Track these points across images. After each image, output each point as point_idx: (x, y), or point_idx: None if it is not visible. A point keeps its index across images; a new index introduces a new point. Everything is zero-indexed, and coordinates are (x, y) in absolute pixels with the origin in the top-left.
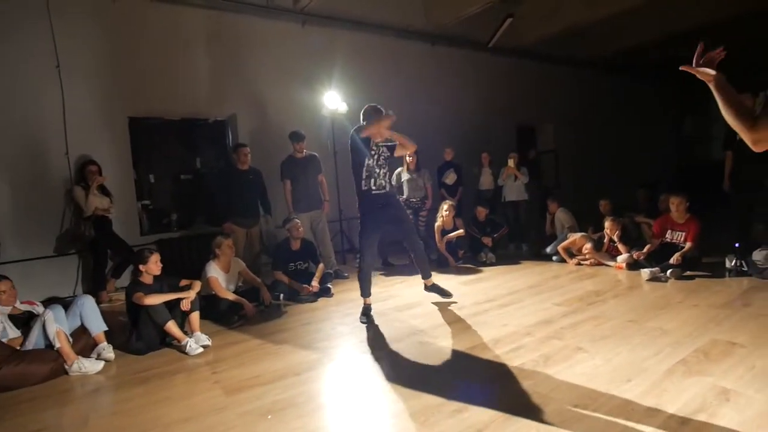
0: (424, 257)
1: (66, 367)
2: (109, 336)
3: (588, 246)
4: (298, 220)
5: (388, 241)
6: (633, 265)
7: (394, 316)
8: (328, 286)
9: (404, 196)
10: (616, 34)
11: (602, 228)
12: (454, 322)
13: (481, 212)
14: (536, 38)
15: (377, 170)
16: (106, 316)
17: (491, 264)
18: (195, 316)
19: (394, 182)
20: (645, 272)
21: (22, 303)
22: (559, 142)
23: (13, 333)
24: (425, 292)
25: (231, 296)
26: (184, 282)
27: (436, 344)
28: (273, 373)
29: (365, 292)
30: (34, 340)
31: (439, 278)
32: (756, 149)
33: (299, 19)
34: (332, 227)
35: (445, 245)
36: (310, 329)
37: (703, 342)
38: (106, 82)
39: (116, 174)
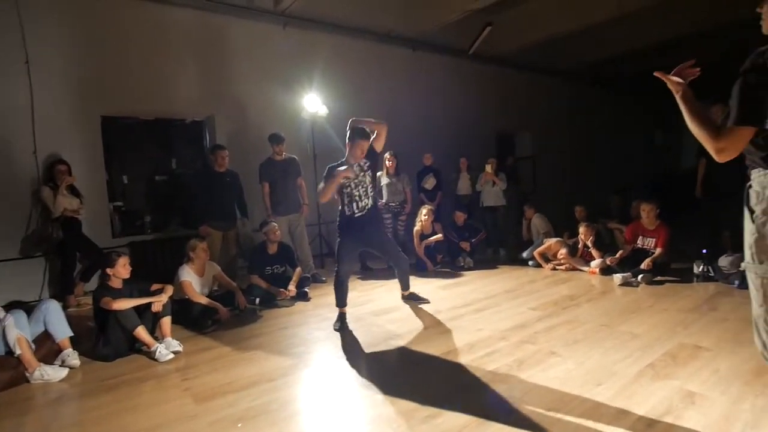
0: (407, 271)
1: (27, 374)
2: (75, 342)
3: (563, 251)
4: (276, 224)
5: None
6: (606, 270)
7: (371, 321)
8: (306, 290)
9: (383, 200)
10: (591, 47)
11: (577, 233)
12: (431, 326)
13: (460, 217)
14: (515, 47)
15: (357, 194)
16: (73, 321)
17: (469, 268)
18: (166, 321)
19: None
20: (617, 277)
21: None
22: (537, 149)
23: None
24: (402, 300)
25: (205, 300)
26: (155, 286)
27: (412, 349)
28: (246, 380)
29: (341, 302)
30: None
31: (417, 282)
32: (719, 159)
33: (280, 20)
34: (311, 231)
35: (424, 249)
36: (285, 334)
37: (671, 346)
38: (78, 80)
39: (87, 174)
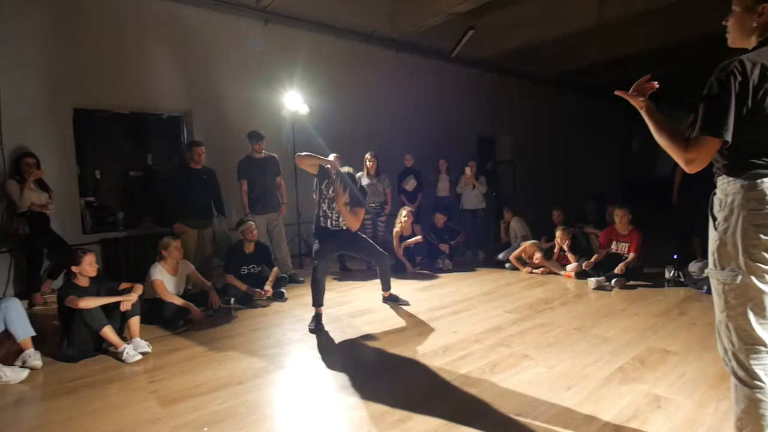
0: (388, 271)
1: None
2: (38, 342)
3: (538, 255)
4: (252, 222)
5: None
6: (581, 274)
7: (347, 322)
8: (282, 290)
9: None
10: (572, 54)
11: (554, 237)
12: (407, 328)
13: (440, 219)
14: (497, 51)
15: (329, 212)
16: (38, 320)
17: (448, 270)
18: (135, 321)
19: None
20: (591, 281)
21: None
22: (517, 152)
23: None
24: (382, 302)
25: (177, 300)
26: (124, 285)
27: (387, 351)
28: (215, 382)
29: (317, 301)
30: None
31: (396, 284)
32: (689, 170)
33: (261, 17)
34: (290, 230)
35: (403, 251)
36: (259, 335)
37: (641, 350)
38: (49, 70)
39: (58, 168)
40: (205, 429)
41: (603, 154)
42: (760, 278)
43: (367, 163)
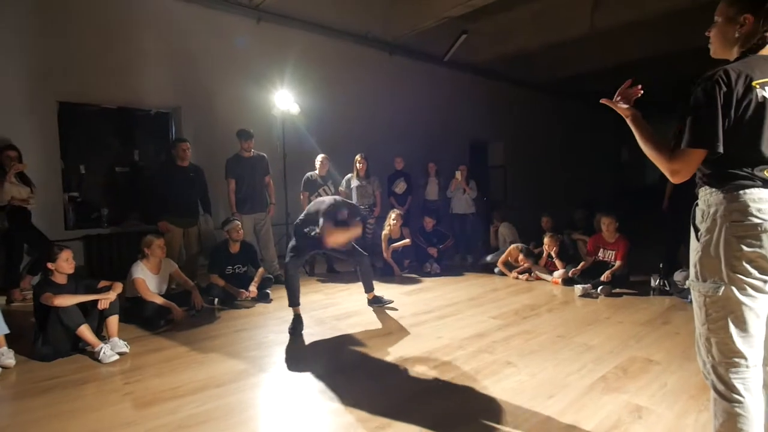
0: (370, 272)
1: None
2: (14, 339)
3: (521, 257)
4: (238, 222)
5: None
6: (568, 281)
7: (332, 325)
8: (267, 291)
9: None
10: (565, 61)
11: (542, 243)
12: (391, 333)
13: (429, 223)
14: (491, 57)
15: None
16: (16, 316)
17: (435, 275)
18: (113, 320)
19: (343, 188)
20: (578, 288)
21: None
22: (508, 158)
23: None
24: (368, 305)
25: (158, 299)
26: (103, 283)
27: (370, 356)
28: (192, 385)
29: (293, 300)
30: None
31: (383, 287)
32: (674, 180)
33: (254, 15)
34: (278, 231)
35: (391, 254)
36: (241, 336)
37: (623, 359)
38: (34, 61)
39: (41, 162)
40: None
41: (594, 161)
42: (742, 290)
43: (357, 164)
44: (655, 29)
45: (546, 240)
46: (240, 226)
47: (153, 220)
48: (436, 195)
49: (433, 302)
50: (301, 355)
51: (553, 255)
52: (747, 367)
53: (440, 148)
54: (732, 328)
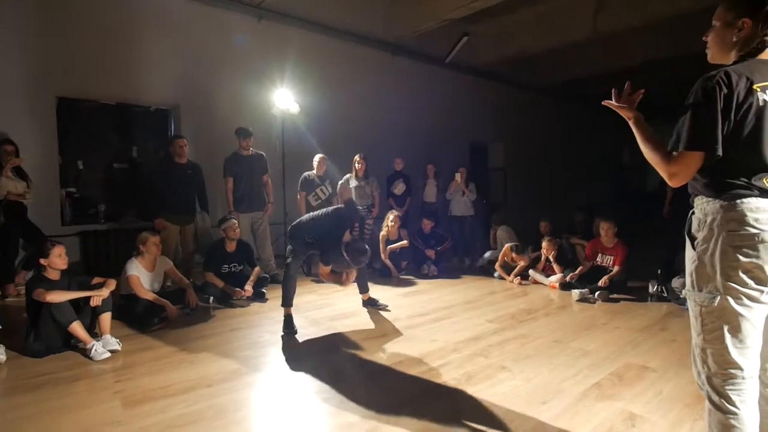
0: (364, 273)
1: None
2: (6, 335)
3: (514, 255)
4: (235, 221)
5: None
6: (565, 285)
7: (326, 326)
8: (263, 290)
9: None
10: (567, 64)
11: (541, 247)
12: (386, 334)
13: (427, 224)
14: (492, 59)
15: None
16: (9, 312)
17: (433, 277)
18: (105, 317)
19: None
20: (575, 293)
21: None
22: (508, 160)
23: None
24: (362, 306)
25: (152, 297)
26: (96, 280)
27: (363, 358)
28: (184, 384)
29: (287, 300)
30: None
31: (379, 289)
32: (672, 184)
33: (255, 13)
34: (275, 230)
35: (389, 255)
36: (235, 336)
37: (619, 365)
38: (33, 55)
39: (39, 157)
40: None
41: (595, 164)
42: (738, 301)
43: (356, 165)
44: (657, 33)
45: (544, 244)
46: (237, 225)
47: (150, 217)
48: (434, 197)
49: (429, 304)
50: (295, 355)
51: (551, 259)
52: (743, 378)
53: (440, 149)
54: (728, 339)
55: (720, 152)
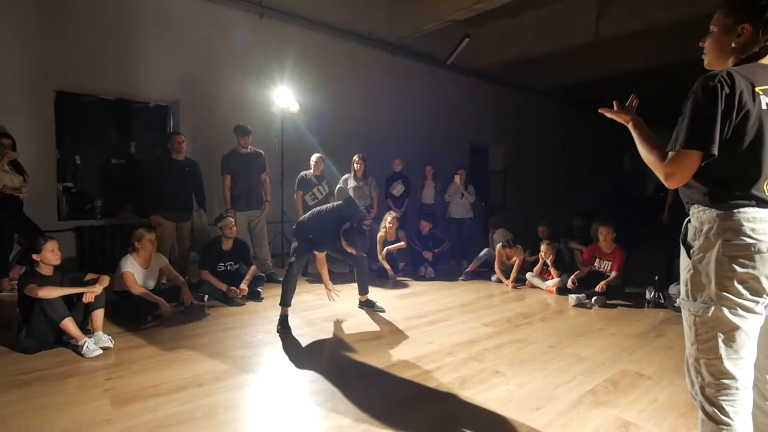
0: (366, 274)
1: None
2: None
3: (508, 251)
4: (232, 219)
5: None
6: (562, 290)
7: (321, 326)
8: (258, 289)
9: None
10: (569, 68)
11: (539, 251)
12: (381, 336)
13: (425, 226)
14: (494, 61)
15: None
16: (4, 306)
17: (430, 279)
18: (98, 314)
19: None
20: (572, 298)
21: None
22: (509, 163)
23: None
24: (358, 306)
25: (146, 294)
26: (90, 276)
27: (357, 360)
28: (174, 383)
29: (285, 299)
30: None
31: (375, 290)
32: (669, 185)
33: (257, 11)
34: (272, 229)
35: (386, 256)
36: (229, 335)
37: (614, 372)
38: (31, 49)
39: (36, 151)
40: None
41: (595, 169)
42: (733, 311)
43: (355, 165)
44: (659, 39)
45: (542, 248)
46: (233, 223)
47: (147, 213)
48: (432, 199)
49: (425, 307)
50: (288, 356)
51: (549, 263)
52: (737, 389)
53: (440, 150)
54: (722, 349)
55: (715, 152)
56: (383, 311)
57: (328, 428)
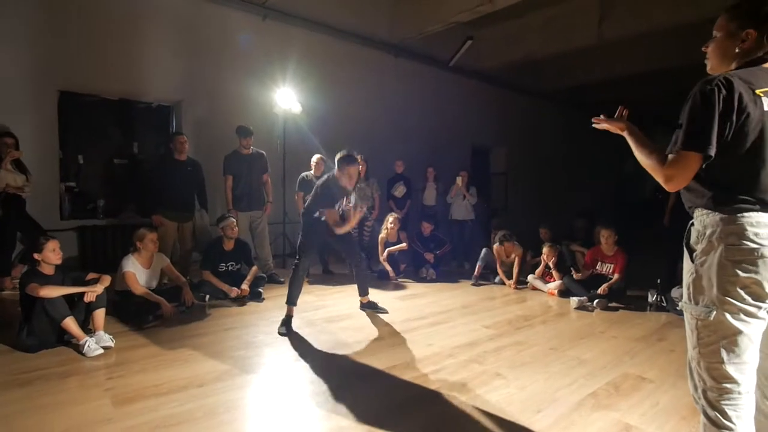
0: (366, 274)
1: None
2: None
3: (505, 246)
4: (234, 219)
5: (330, 248)
6: (564, 292)
7: (322, 327)
8: (260, 290)
9: (351, 205)
10: (571, 71)
11: (540, 253)
12: (382, 338)
13: (426, 228)
14: (497, 63)
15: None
16: (5, 305)
17: (431, 280)
18: (99, 313)
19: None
20: (574, 300)
21: None
22: (511, 166)
23: None
24: (360, 308)
25: (148, 294)
26: (91, 276)
27: (358, 361)
28: (175, 383)
29: (292, 299)
30: None
31: (376, 291)
32: (669, 188)
33: (260, 12)
34: (274, 229)
35: (388, 258)
36: (229, 335)
37: (616, 375)
38: (35, 49)
39: (39, 150)
40: None
41: (597, 171)
42: (735, 316)
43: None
44: (662, 42)
45: (545, 250)
46: (235, 224)
47: (149, 213)
48: (433, 200)
49: (426, 308)
50: (287, 357)
51: (551, 266)
52: (739, 393)
53: (442, 152)
54: (724, 354)
55: (712, 153)
56: (386, 312)
57: (328, 429)
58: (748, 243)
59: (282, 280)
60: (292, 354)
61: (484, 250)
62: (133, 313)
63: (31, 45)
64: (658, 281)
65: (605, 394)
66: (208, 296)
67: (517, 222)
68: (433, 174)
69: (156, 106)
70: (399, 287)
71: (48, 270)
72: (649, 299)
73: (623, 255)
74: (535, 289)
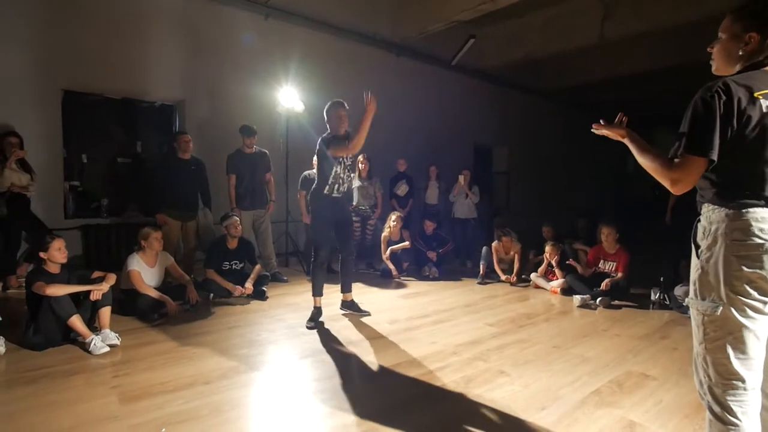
0: (351, 270)
1: None
2: (6, 327)
3: (503, 242)
4: (237, 218)
5: (332, 247)
6: (567, 291)
7: (326, 325)
8: (263, 288)
9: (354, 203)
10: (573, 70)
11: (543, 252)
12: (384, 336)
13: (429, 226)
14: (499, 62)
15: (343, 176)
16: (10, 304)
17: (434, 279)
18: (105, 312)
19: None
20: (576, 298)
21: None
22: (513, 164)
23: None
24: (340, 308)
25: (153, 292)
26: (97, 274)
27: (361, 359)
28: (181, 381)
29: (317, 290)
30: None
31: (380, 290)
32: (675, 191)
33: (263, 11)
34: (277, 228)
35: (390, 256)
36: (234, 334)
37: (619, 372)
38: (39, 48)
39: (43, 150)
40: (163, 430)
41: (599, 170)
42: (741, 311)
43: (360, 165)
44: (665, 41)
45: (547, 249)
46: (238, 222)
47: (153, 212)
48: (436, 199)
49: (429, 306)
50: (291, 355)
51: (554, 264)
52: (745, 390)
53: (444, 151)
54: (730, 350)
55: (715, 157)
56: (368, 315)
57: (332, 426)
58: (754, 238)
59: (285, 278)
60: (296, 352)
61: (484, 249)
62: (138, 311)
63: (34, 44)
64: (661, 279)
65: (609, 392)
66: (212, 295)
67: (519, 221)
68: (435, 172)
69: (159, 105)
70: (402, 285)
71: (54, 269)
72: (652, 297)
73: (625, 253)
74: (537, 287)
